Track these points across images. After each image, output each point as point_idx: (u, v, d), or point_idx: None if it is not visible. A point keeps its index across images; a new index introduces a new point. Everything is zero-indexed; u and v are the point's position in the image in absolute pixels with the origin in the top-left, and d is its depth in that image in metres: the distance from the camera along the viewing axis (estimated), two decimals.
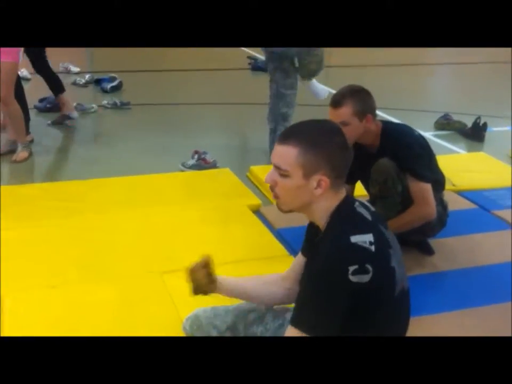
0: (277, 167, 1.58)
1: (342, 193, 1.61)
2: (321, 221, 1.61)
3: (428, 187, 2.72)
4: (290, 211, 1.65)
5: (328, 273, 1.48)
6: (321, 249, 1.54)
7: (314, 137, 1.56)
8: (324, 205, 1.59)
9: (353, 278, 1.46)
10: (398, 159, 2.70)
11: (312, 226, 1.73)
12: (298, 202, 1.61)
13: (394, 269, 1.56)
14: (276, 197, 1.63)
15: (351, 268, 1.46)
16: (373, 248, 1.50)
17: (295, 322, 1.55)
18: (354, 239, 1.49)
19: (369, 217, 1.59)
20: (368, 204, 1.66)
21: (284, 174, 1.56)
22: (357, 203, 1.62)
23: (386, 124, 2.85)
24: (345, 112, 2.64)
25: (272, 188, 1.62)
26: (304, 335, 1.49)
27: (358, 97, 2.67)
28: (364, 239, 1.50)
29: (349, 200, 1.63)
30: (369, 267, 1.47)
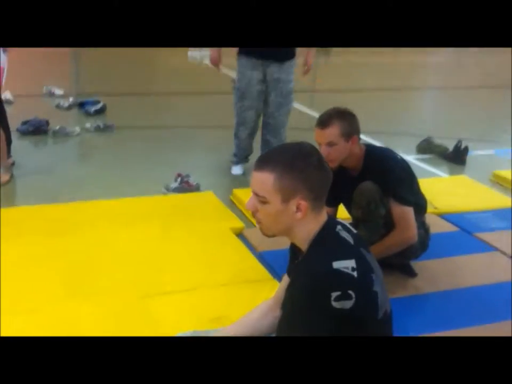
0: (256, 194, 1.58)
1: (323, 216, 1.61)
2: (303, 244, 1.61)
3: (409, 210, 2.73)
4: (273, 235, 1.65)
5: (310, 299, 1.48)
6: (302, 273, 1.54)
7: (289, 162, 1.56)
8: (305, 228, 1.59)
9: (335, 304, 1.45)
10: (381, 182, 2.71)
11: (295, 247, 1.72)
12: (280, 227, 1.61)
13: (377, 294, 1.56)
14: (258, 222, 1.63)
15: (334, 294, 1.45)
16: (355, 274, 1.49)
17: None
18: (337, 264, 1.49)
19: (351, 241, 1.58)
20: (350, 227, 1.66)
21: (262, 200, 1.57)
22: (339, 226, 1.61)
23: (370, 147, 2.87)
24: (333, 132, 2.65)
25: (253, 214, 1.62)
26: None
27: (344, 119, 2.69)
28: (346, 265, 1.49)
29: (331, 223, 1.62)
30: (351, 293, 1.46)
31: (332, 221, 1.64)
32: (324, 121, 2.69)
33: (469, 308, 2.75)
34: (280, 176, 1.54)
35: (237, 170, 4.51)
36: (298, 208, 1.56)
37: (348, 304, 1.46)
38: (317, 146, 2.56)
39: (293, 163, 1.56)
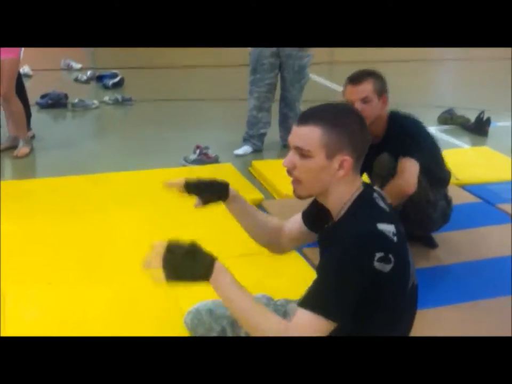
0: (299, 148, 1.53)
1: (359, 180, 1.58)
2: (337, 206, 1.56)
3: (411, 163, 2.63)
4: (308, 196, 1.61)
5: (355, 256, 1.44)
6: (344, 234, 1.48)
7: (336, 117, 1.53)
8: (343, 189, 1.55)
9: (377, 265, 1.42)
10: (399, 147, 2.66)
11: (317, 205, 1.68)
12: (319, 185, 1.55)
13: (410, 264, 1.55)
14: (296, 181, 1.57)
15: (378, 255, 1.42)
16: (395, 239, 1.47)
17: (306, 303, 1.45)
18: (381, 226, 1.46)
19: (387, 209, 1.56)
20: (385, 195, 1.63)
21: (306, 154, 1.51)
22: (375, 194, 1.59)
23: (393, 113, 2.81)
24: (367, 88, 2.65)
25: (290, 172, 1.56)
26: (314, 317, 1.42)
27: (375, 76, 2.71)
28: (389, 229, 1.47)
29: (368, 190, 1.59)
30: (391, 257, 1.43)
31: (368, 188, 1.61)
32: (356, 77, 2.69)
33: (491, 279, 2.72)
34: (328, 129, 1.50)
35: (238, 150, 4.33)
36: (341, 165, 1.51)
37: (387, 267, 1.43)
38: None
39: (340, 117, 1.53)
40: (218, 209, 3.24)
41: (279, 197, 3.55)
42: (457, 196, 3.19)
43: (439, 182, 2.81)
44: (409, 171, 2.62)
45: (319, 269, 1.54)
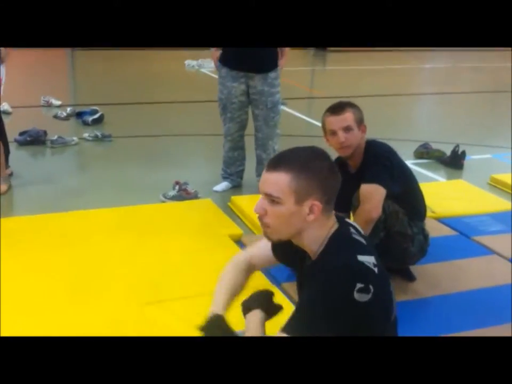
0: (268, 195, 1.54)
1: (332, 221, 1.61)
2: (313, 247, 1.58)
3: (377, 188, 2.67)
4: (279, 240, 1.63)
5: (335, 288, 1.46)
6: (325, 268, 1.50)
7: (305, 162, 1.55)
8: (314, 232, 1.57)
9: (356, 296, 1.44)
10: (368, 174, 2.71)
11: (289, 244, 1.68)
12: (290, 230, 1.58)
13: (392, 294, 1.56)
14: (266, 226, 1.58)
15: (358, 285, 1.44)
16: (376, 270, 1.49)
17: (289, 331, 1.48)
18: (361, 258, 1.49)
19: (365, 242, 1.59)
20: (360, 229, 1.66)
21: (276, 201, 1.53)
22: (351, 229, 1.61)
23: (370, 142, 2.86)
24: (349, 117, 2.73)
25: (261, 218, 1.58)
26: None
27: (354, 106, 2.79)
28: (369, 260, 1.49)
29: (345, 226, 1.62)
30: (371, 288, 1.45)
31: (344, 224, 1.63)
32: (338, 107, 2.76)
33: (468, 312, 2.74)
34: (297, 176, 1.52)
35: (217, 187, 4.32)
36: (311, 210, 1.53)
37: (365, 298, 1.44)
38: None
39: (309, 164, 1.55)
40: (194, 247, 3.26)
41: (258, 232, 3.57)
42: (433, 229, 3.24)
43: (417, 214, 2.85)
44: (374, 196, 2.67)
45: (305, 301, 1.54)
